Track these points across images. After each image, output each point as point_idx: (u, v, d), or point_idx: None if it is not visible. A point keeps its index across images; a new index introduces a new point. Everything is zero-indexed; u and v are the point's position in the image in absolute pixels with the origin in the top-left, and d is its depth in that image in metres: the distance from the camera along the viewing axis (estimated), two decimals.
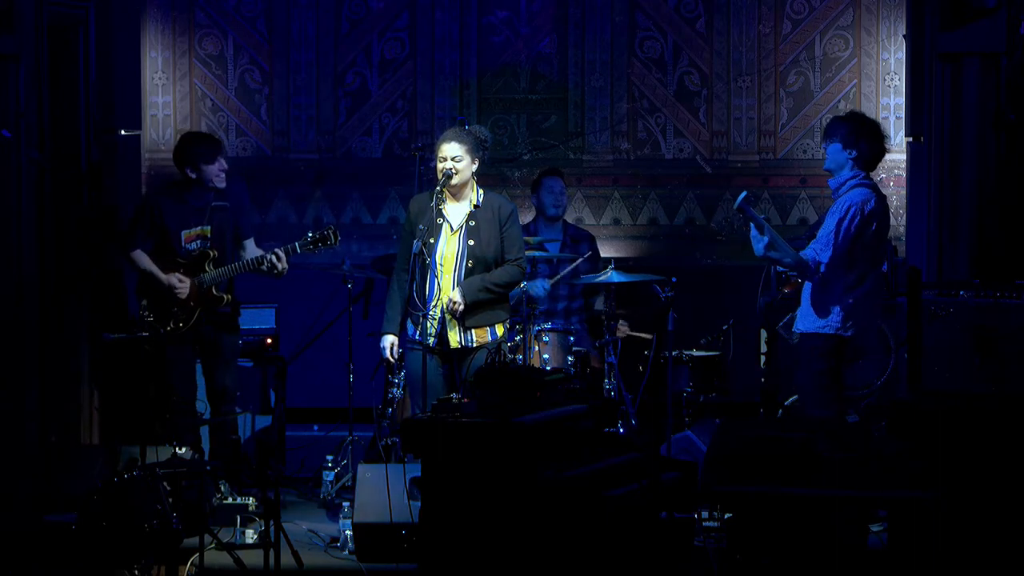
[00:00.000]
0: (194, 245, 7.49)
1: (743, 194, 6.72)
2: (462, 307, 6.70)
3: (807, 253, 6.82)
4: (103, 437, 7.91)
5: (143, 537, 6.17)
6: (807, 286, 6.95)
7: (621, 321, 8.18)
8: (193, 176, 7.45)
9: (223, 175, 7.50)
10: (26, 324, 7.26)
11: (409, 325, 6.83)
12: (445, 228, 6.83)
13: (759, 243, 6.75)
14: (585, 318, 8.50)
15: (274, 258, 7.39)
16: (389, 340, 6.92)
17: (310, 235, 7.39)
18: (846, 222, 6.79)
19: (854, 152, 6.88)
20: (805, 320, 6.93)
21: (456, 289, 6.73)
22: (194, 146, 7.51)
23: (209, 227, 7.50)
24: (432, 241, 6.78)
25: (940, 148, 7.72)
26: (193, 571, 6.30)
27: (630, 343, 8.27)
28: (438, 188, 6.76)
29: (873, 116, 9.15)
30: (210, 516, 6.75)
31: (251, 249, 7.66)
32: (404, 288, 6.78)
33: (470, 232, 6.82)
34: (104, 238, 7.98)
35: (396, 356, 6.97)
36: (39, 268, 7.34)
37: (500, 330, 6.85)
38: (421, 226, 6.70)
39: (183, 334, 7.42)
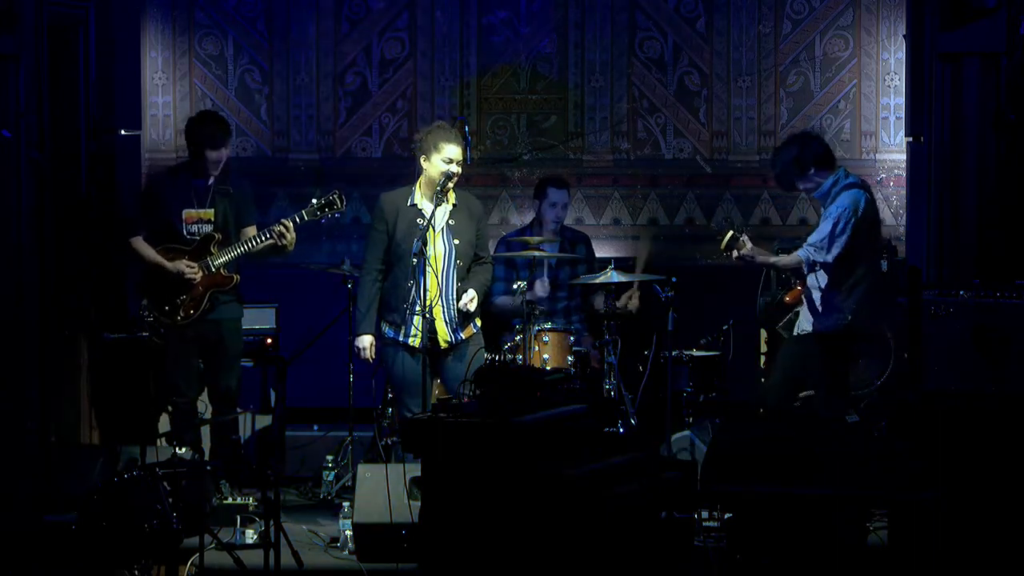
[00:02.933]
0: (195, 228, 7.44)
1: (729, 234, 7.03)
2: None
3: (801, 253, 7.04)
4: (103, 437, 7.90)
5: (143, 537, 6.17)
6: (811, 288, 7.04)
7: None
8: (197, 155, 7.41)
9: (219, 167, 7.43)
10: (26, 324, 7.24)
11: (395, 327, 6.88)
12: (429, 228, 6.87)
13: (756, 262, 7.11)
14: (585, 317, 8.49)
15: (282, 228, 7.23)
16: (368, 340, 7.01)
17: (314, 201, 7.27)
18: (840, 227, 6.96)
19: (811, 169, 7.07)
20: (815, 319, 7.03)
21: (470, 290, 6.93)
22: (203, 126, 7.46)
23: (212, 210, 7.44)
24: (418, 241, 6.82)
25: (940, 148, 7.72)
26: (193, 571, 6.29)
27: (628, 341, 8.24)
28: (439, 189, 6.79)
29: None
30: (210, 516, 6.74)
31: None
32: (375, 287, 6.94)
33: (452, 231, 6.92)
34: (104, 238, 7.97)
35: (374, 356, 7.01)
36: (39, 268, 7.33)
37: (478, 322, 7.13)
38: (420, 225, 6.74)
39: (187, 335, 7.40)
